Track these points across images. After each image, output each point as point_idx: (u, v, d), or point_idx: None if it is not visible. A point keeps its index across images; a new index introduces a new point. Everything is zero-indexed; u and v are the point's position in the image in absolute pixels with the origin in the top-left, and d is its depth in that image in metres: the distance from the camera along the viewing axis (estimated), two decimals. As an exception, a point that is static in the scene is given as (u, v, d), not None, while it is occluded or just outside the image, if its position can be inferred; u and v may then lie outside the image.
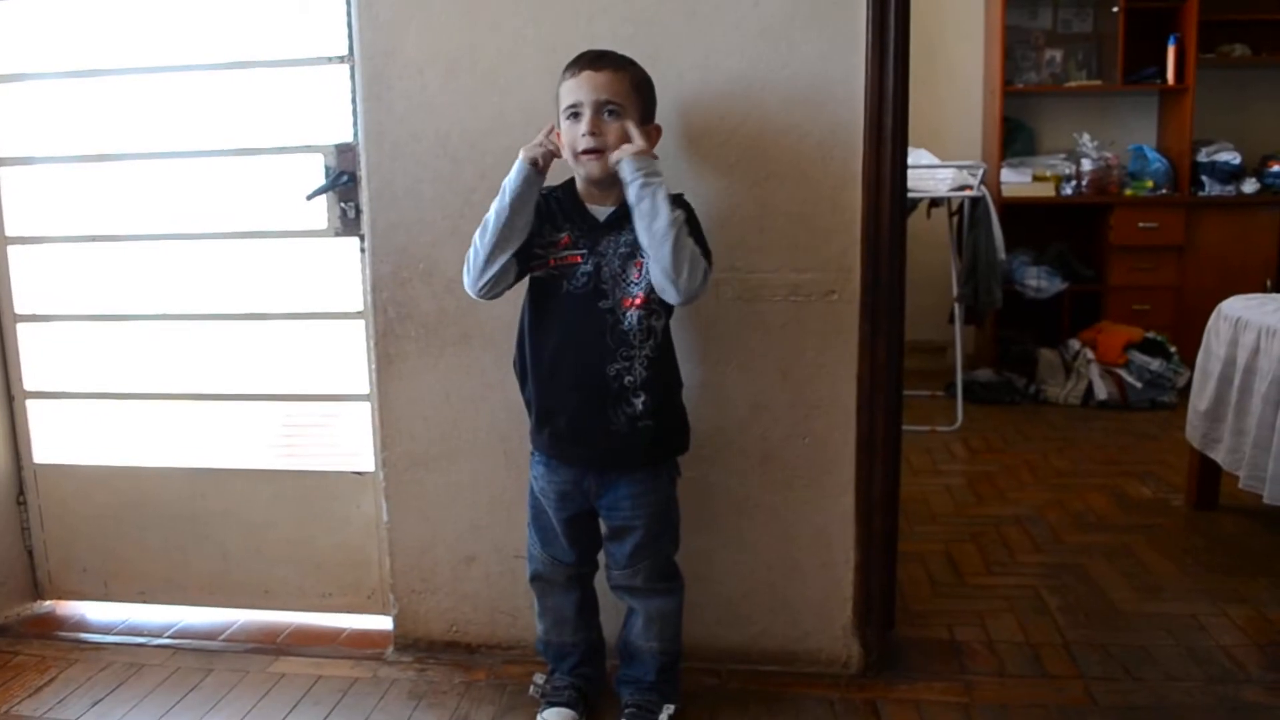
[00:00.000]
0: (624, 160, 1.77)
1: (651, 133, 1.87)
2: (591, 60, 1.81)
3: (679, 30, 2.04)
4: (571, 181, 1.90)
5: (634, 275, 1.83)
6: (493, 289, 1.85)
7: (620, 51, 1.86)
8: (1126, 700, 2.06)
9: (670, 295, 1.78)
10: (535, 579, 2.04)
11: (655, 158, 1.82)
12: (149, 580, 2.60)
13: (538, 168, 1.82)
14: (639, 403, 1.84)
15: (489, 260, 1.82)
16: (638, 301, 1.83)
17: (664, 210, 1.75)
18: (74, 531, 2.62)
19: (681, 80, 2.03)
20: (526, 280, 1.91)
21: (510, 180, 1.81)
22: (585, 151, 1.80)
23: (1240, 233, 5.00)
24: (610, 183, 1.85)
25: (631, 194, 1.77)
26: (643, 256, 1.81)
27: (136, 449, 2.59)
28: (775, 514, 2.17)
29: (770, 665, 2.21)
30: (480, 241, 1.83)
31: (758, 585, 2.20)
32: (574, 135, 1.81)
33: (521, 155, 1.82)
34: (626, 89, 1.80)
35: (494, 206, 1.82)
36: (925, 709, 2.05)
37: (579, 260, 1.85)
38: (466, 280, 1.87)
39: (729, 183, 2.06)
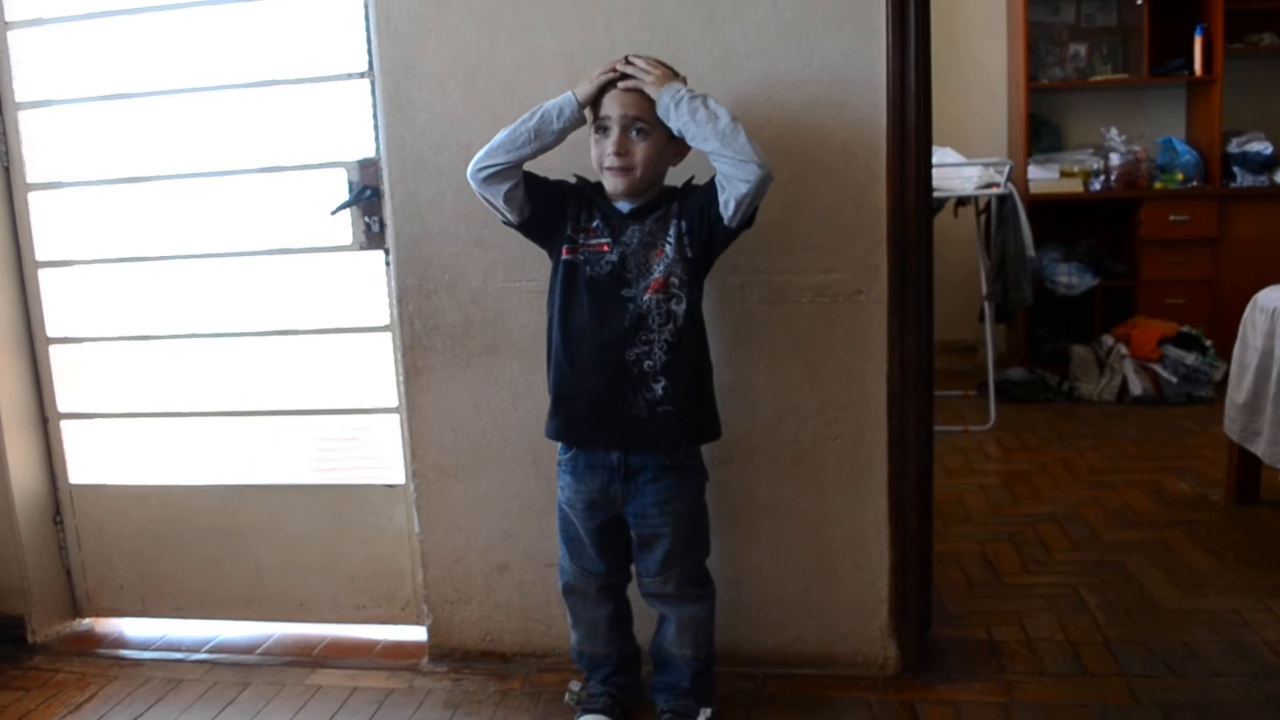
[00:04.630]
0: (661, 92, 1.78)
1: (681, 148, 1.89)
2: (624, 77, 1.83)
3: (698, 33, 2.04)
4: (601, 185, 1.92)
5: (655, 261, 1.86)
6: (490, 181, 1.85)
7: None
8: (1170, 698, 2.03)
9: (751, 174, 1.74)
10: (567, 591, 2.04)
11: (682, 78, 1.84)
12: (185, 596, 2.62)
13: (582, 110, 1.86)
14: (659, 388, 1.84)
15: (492, 155, 1.84)
16: (656, 285, 1.84)
17: (722, 110, 1.76)
18: (110, 550, 2.65)
19: (702, 83, 2.01)
20: (557, 269, 1.91)
21: (549, 110, 1.84)
22: (610, 169, 1.83)
23: (1274, 223, 4.91)
24: (636, 194, 1.87)
25: (684, 112, 1.76)
26: (664, 244, 1.85)
27: (170, 467, 2.61)
28: (807, 517, 2.16)
29: (806, 669, 2.20)
30: (497, 139, 1.85)
31: (792, 589, 2.19)
32: (601, 150, 1.84)
33: (574, 95, 1.84)
34: (654, 108, 1.81)
35: (523, 121, 1.84)
36: (964, 709, 2.03)
37: (605, 249, 1.87)
38: (470, 164, 1.87)
39: (752, 184, 2.05)
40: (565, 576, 2.03)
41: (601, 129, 1.85)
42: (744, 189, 1.75)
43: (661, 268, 1.85)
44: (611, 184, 1.86)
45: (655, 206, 1.88)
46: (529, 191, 1.88)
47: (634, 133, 1.82)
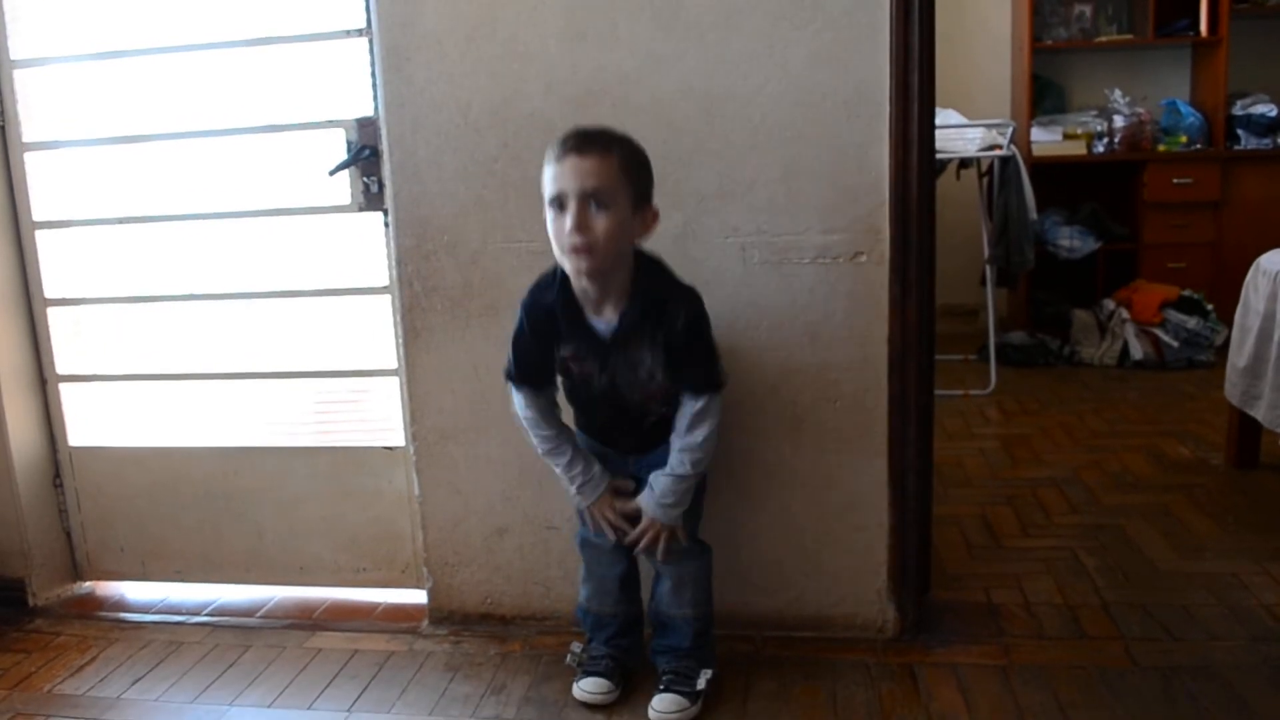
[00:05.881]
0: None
1: (648, 217, 1.79)
2: (576, 144, 1.70)
3: (699, -10, 2.00)
4: (568, 283, 1.80)
5: (644, 377, 1.85)
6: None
7: (608, 129, 1.77)
8: (1168, 660, 2.04)
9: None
10: (584, 545, 2.05)
11: (679, 518, 1.90)
12: (186, 559, 2.62)
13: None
14: (666, 412, 1.90)
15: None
16: (653, 393, 1.87)
17: (693, 469, 1.86)
18: (110, 513, 2.65)
19: (704, 40, 2.00)
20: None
21: (566, 486, 1.96)
22: (572, 249, 1.71)
23: (1278, 186, 4.89)
24: (606, 284, 1.78)
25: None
26: (649, 363, 1.84)
27: (169, 429, 2.60)
28: (807, 479, 2.15)
29: (805, 631, 2.20)
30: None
31: (791, 551, 2.19)
32: (560, 229, 1.71)
33: (582, 507, 1.97)
34: (615, 174, 1.70)
35: (554, 465, 1.95)
36: (963, 672, 2.04)
37: (592, 374, 1.87)
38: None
39: (754, 143, 2.03)
40: (585, 530, 2.04)
41: (557, 205, 1.71)
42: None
43: (655, 380, 1.85)
44: (574, 265, 1.72)
45: (634, 327, 1.80)
46: (542, 371, 1.91)
47: (593, 205, 1.68)
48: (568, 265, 1.75)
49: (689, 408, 1.84)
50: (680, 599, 1.99)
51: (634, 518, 1.92)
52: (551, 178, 1.72)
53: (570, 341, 1.85)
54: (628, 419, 1.92)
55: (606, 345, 1.83)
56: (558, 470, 1.94)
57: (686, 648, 1.99)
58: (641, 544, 1.92)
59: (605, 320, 1.82)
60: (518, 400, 1.93)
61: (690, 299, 1.82)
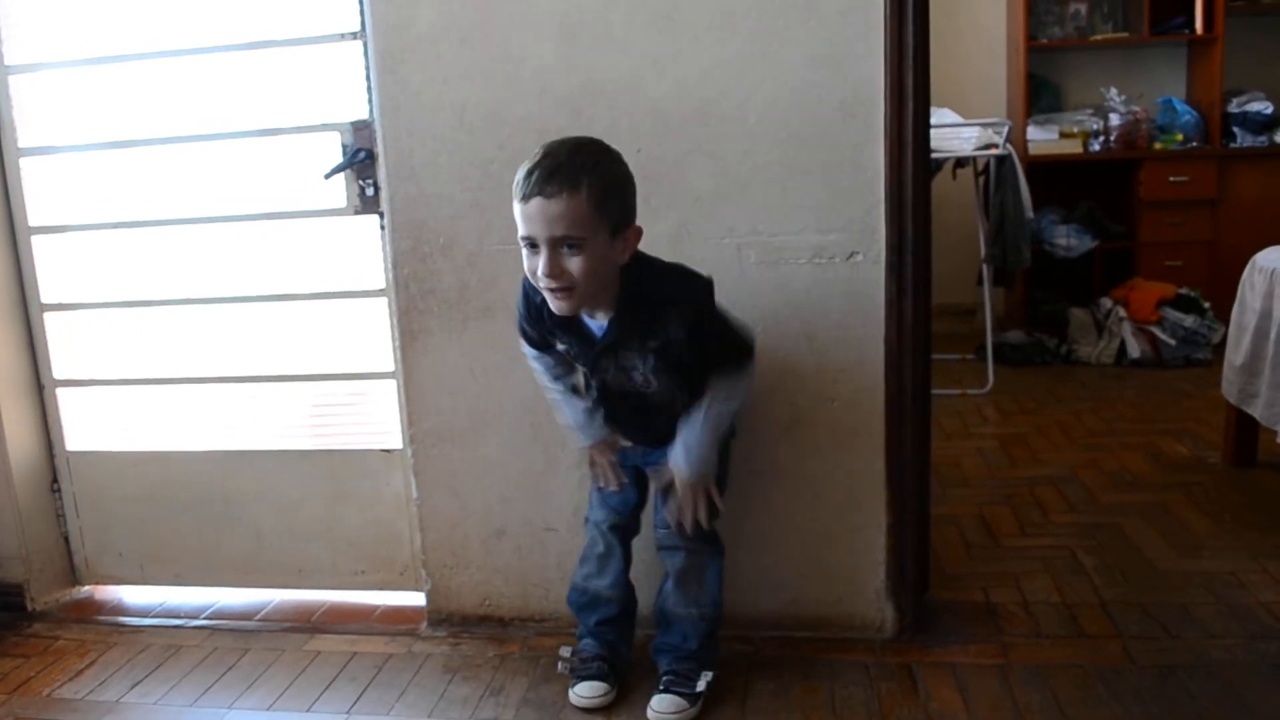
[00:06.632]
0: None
1: (630, 238, 1.70)
2: (541, 183, 1.58)
3: (694, -9, 2.01)
4: None
5: (638, 380, 1.83)
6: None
7: (584, 143, 1.69)
8: (1166, 659, 2.04)
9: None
10: (590, 524, 2.07)
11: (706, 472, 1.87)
12: (184, 563, 2.62)
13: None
14: (675, 411, 1.88)
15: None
16: (658, 397, 1.86)
17: (721, 418, 1.84)
18: (109, 517, 2.65)
19: (697, 42, 2.00)
20: None
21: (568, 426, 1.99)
22: (548, 290, 1.66)
23: (1274, 184, 4.90)
24: (594, 299, 1.73)
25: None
26: (640, 370, 1.81)
27: (167, 433, 2.60)
28: (805, 479, 2.15)
29: (804, 631, 2.20)
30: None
31: (789, 551, 2.19)
32: (534, 265, 1.65)
33: (584, 450, 2.00)
34: (587, 212, 1.59)
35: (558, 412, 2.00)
36: (961, 671, 2.04)
37: (588, 374, 1.89)
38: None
39: (750, 144, 2.03)
40: (593, 512, 2.06)
41: (529, 244, 1.64)
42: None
43: (651, 385, 1.83)
44: (555, 306, 1.68)
45: (624, 333, 1.75)
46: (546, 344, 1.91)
47: (565, 248, 1.61)
48: (549, 301, 1.70)
49: (720, 380, 1.82)
50: (688, 597, 1.98)
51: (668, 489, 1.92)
52: (519, 216, 1.63)
53: (563, 338, 1.84)
54: (633, 412, 1.92)
55: (598, 350, 1.79)
56: (560, 415, 2.00)
57: (691, 649, 1.98)
58: (682, 513, 1.88)
59: (597, 322, 1.79)
60: (533, 356, 1.96)
61: (684, 298, 1.76)
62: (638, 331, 1.76)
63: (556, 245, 1.61)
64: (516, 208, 1.63)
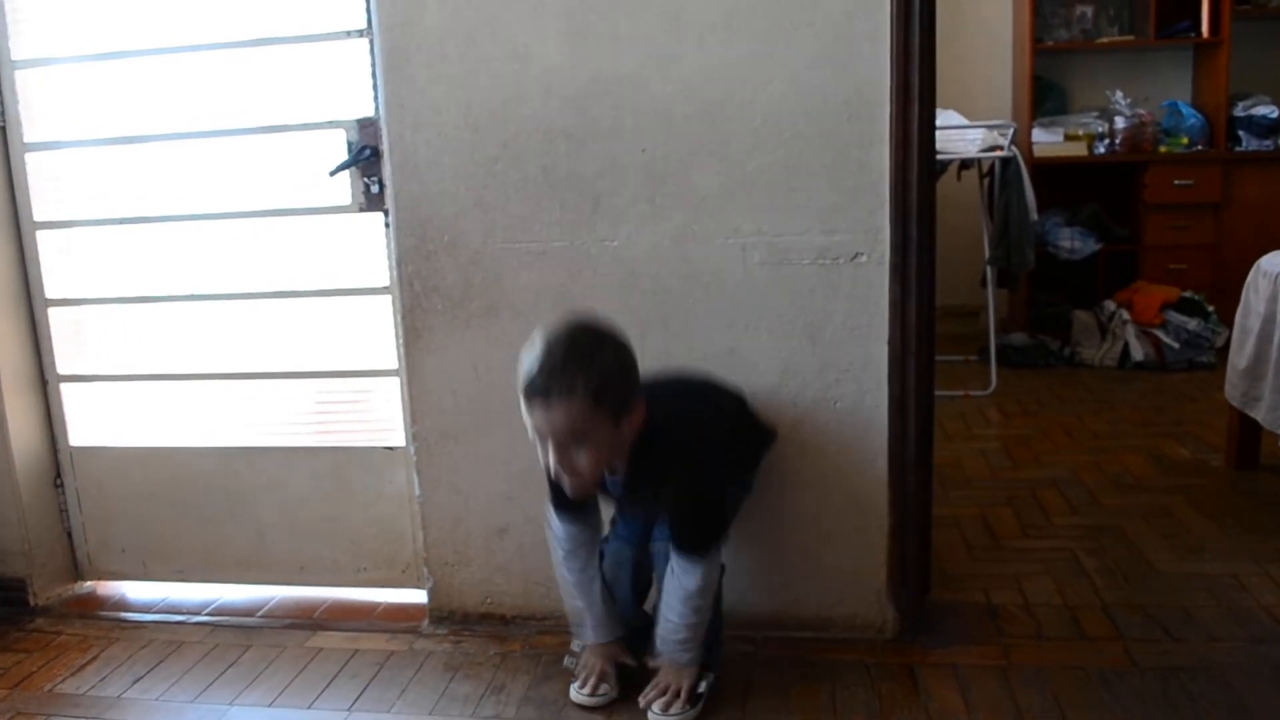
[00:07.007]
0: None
1: (634, 418, 1.76)
2: (542, 389, 1.66)
3: (699, -9, 2.01)
4: None
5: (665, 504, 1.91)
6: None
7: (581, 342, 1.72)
8: (1167, 661, 2.04)
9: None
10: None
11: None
12: (186, 559, 2.63)
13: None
14: None
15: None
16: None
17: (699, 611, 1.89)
18: (111, 512, 2.65)
19: (703, 42, 2.00)
20: None
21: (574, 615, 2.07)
22: (560, 476, 1.76)
23: (1279, 188, 4.89)
24: (599, 486, 1.88)
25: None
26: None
27: (170, 429, 2.61)
28: (807, 479, 2.15)
29: (805, 632, 2.20)
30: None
31: (790, 551, 2.19)
32: (545, 459, 1.74)
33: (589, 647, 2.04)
34: (584, 414, 1.67)
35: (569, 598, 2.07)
36: (962, 673, 2.04)
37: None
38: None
39: (755, 144, 2.03)
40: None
41: (538, 436, 1.72)
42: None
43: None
44: (569, 490, 1.80)
45: (640, 487, 1.89)
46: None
47: (571, 442, 1.70)
48: (563, 485, 1.79)
49: (675, 560, 1.87)
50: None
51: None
52: (525, 411, 1.71)
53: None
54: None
55: (618, 499, 1.95)
56: (570, 601, 2.07)
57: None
58: (649, 697, 1.93)
59: (614, 478, 1.89)
60: (556, 527, 1.99)
61: (690, 466, 1.85)
62: (651, 485, 1.88)
63: (563, 442, 1.70)
64: (521, 402, 1.71)
